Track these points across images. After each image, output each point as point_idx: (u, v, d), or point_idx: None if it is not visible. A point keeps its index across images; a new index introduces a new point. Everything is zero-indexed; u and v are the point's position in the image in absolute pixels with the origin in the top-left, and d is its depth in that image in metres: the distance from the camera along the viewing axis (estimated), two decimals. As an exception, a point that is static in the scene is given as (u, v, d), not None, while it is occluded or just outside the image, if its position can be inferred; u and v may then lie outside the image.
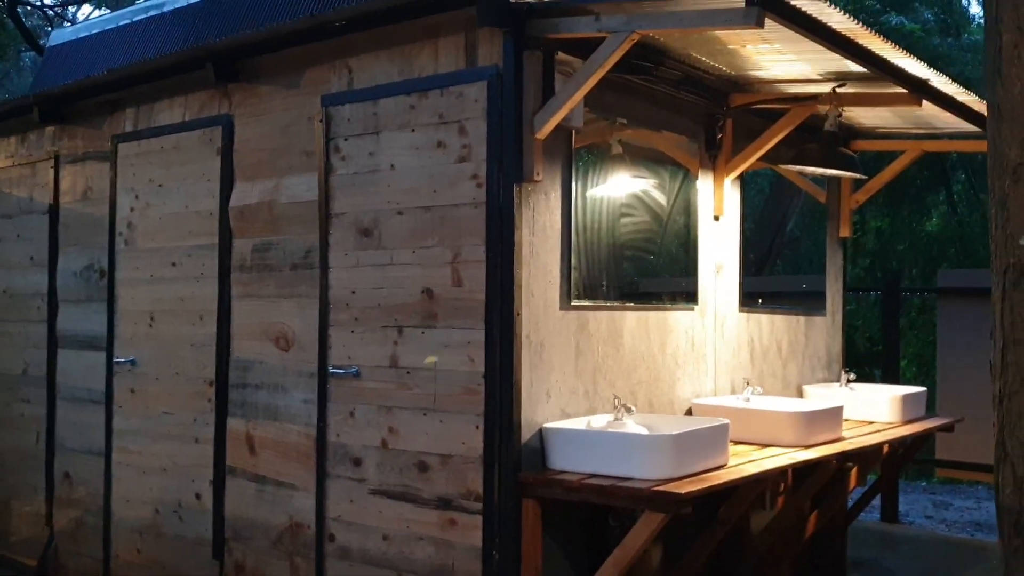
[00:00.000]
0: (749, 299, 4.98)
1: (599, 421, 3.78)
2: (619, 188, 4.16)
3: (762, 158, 4.74)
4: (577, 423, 3.70)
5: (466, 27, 3.67)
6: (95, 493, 5.16)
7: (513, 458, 3.52)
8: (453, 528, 3.64)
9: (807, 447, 4.15)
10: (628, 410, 3.79)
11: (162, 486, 4.79)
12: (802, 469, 4.26)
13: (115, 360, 5.03)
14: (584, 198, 3.92)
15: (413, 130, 3.82)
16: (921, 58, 4.12)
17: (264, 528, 4.31)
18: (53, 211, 5.52)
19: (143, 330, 4.93)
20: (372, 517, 3.89)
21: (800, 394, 5.34)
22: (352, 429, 3.97)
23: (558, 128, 3.58)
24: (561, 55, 3.66)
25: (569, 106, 3.51)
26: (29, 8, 17.53)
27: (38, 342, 5.58)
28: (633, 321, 4.13)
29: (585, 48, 3.53)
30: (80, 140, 5.39)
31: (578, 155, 3.88)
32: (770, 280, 5.90)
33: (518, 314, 3.54)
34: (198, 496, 4.61)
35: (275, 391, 4.30)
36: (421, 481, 3.74)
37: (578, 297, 3.84)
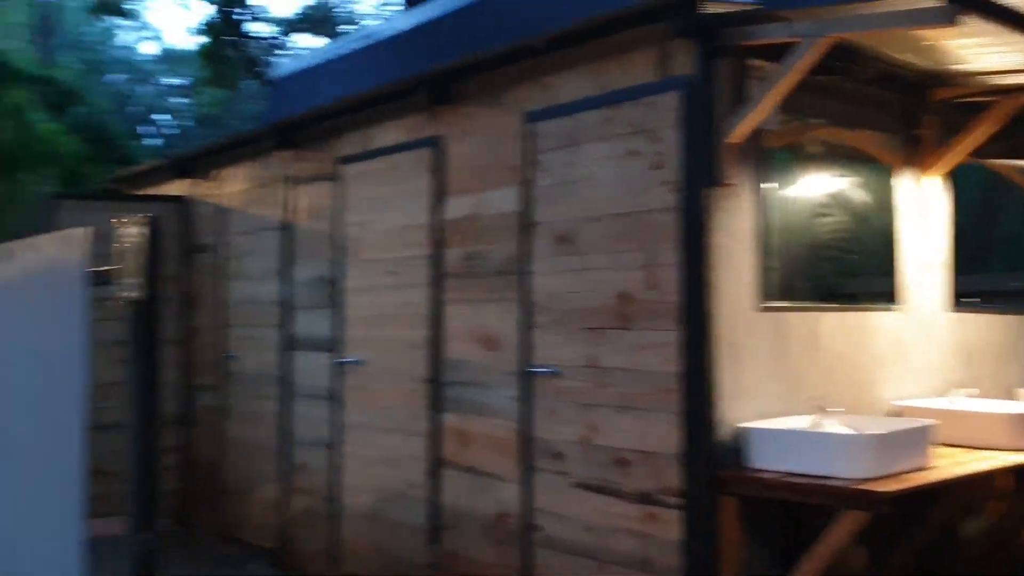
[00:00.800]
0: (960, 298, 4.81)
1: (799, 421, 3.81)
2: (815, 188, 4.18)
3: (970, 153, 4.58)
4: (777, 423, 3.76)
5: (658, 40, 3.82)
6: (324, 482, 5.67)
7: (710, 456, 3.63)
8: (652, 522, 3.79)
9: (1022, 451, 3.99)
10: (829, 411, 3.80)
11: (385, 476, 5.21)
12: (1021, 475, 4.09)
13: (343, 360, 5.54)
14: (779, 199, 3.97)
15: (608, 141, 4.01)
16: None
17: (475, 517, 4.62)
18: (285, 228, 6.15)
19: (366, 333, 5.39)
20: (574, 509, 4.10)
21: (1015, 398, 5.08)
22: (553, 425, 4.21)
23: (751, 132, 3.66)
24: (751, 60, 3.74)
25: (762, 110, 3.59)
26: (249, 39, 19.17)
27: (274, 345, 6.22)
28: (831, 322, 4.13)
29: (776, 51, 3.59)
30: (309, 163, 5.96)
31: (771, 156, 3.94)
32: (984, 278, 5.65)
33: (712, 315, 3.65)
34: (416, 486, 4.99)
35: (483, 389, 4.61)
36: (620, 476, 3.91)
37: (773, 298, 3.90)
